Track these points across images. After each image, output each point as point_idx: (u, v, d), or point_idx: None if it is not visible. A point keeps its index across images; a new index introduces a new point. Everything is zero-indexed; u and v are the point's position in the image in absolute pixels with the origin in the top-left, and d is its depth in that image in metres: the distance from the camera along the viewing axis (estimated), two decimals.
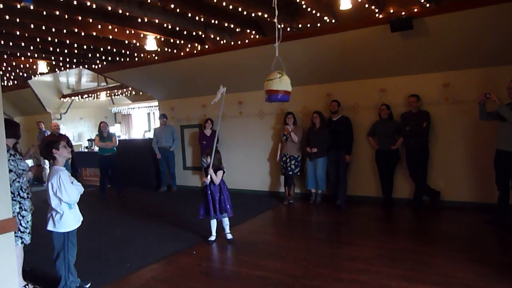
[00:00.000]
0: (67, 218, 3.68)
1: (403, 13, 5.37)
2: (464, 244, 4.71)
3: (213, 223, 5.23)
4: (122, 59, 7.99)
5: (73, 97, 12.49)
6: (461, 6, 5.10)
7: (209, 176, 5.06)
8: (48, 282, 4.03)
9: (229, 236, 5.20)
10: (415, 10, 5.30)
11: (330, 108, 6.92)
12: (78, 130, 13.22)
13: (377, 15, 5.53)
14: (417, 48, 5.91)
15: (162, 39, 6.78)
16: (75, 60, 8.12)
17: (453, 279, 3.73)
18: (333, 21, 5.74)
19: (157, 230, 5.94)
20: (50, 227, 3.69)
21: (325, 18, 5.65)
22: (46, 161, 3.93)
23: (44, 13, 5.25)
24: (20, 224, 3.87)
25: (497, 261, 4.18)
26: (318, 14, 5.53)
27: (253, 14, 5.59)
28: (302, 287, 3.76)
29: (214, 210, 5.07)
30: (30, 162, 10.62)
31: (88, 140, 12.32)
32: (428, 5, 5.17)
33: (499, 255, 4.43)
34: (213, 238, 5.22)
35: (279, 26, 4.19)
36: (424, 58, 6.10)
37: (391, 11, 5.44)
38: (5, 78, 10.28)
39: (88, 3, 4.83)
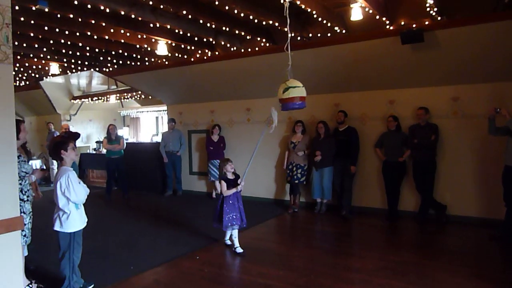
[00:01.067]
0: (74, 219, 3.72)
1: (414, 25, 5.37)
2: (469, 260, 4.66)
3: (236, 233, 5.10)
4: (133, 63, 8.08)
5: (83, 99, 12.62)
6: (472, 21, 5.09)
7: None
8: (52, 281, 4.06)
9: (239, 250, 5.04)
10: (426, 23, 5.31)
11: (336, 119, 6.93)
12: (87, 132, 13.34)
13: (387, 26, 5.54)
14: (427, 61, 5.90)
15: (173, 44, 6.85)
16: (86, 63, 8.23)
17: None
18: (344, 31, 5.77)
19: (161, 234, 5.96)
20: (57, 227, 3.73)
21: (336, 28, 5.68)
22: (54, 162, 3.97)
23: (58, 15, 5.33)
24: None
25: (500, 278, 4.13)
26: (329, 24, 5.56)
27: (264, 22, 5.64)
28: None
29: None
30: (39, 162, 10.73)
31: (96, 142, 12.42)
32: (439, 18, 5.17)
33: (503, 272, 4.38)
34: (241, 249, 5.04)
35: (290, 35, 4.21)
36: (433, 71, 6.09)
37: (402, 23, 5.45)
38: (17, 78, 10.43)
39: (102, 7, 4.90)
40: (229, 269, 4.68)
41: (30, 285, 3.94)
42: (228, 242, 5.24)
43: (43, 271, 4.45)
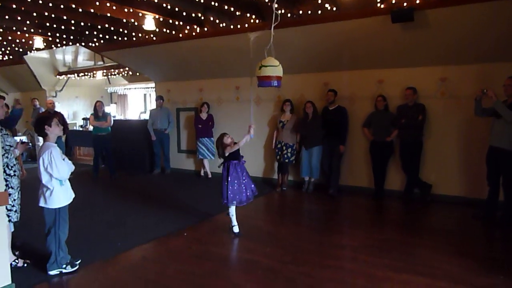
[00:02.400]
0: (58, 195, 3.69)
1: (404, 4, 5.33)
2: (452, 238, 4.77)
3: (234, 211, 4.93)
4: (120, 38, 7.90)
5: (69, 75, 12.37)
6: (463, 0, 5.07)
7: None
8: (38, 257, 4.05)
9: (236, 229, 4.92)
10: (417, 1, 5.27)
11: (327, 98, 6.92)
12: (73, 109, 13.13)
13: (378, 5, 5.49)
14: (417, 41, 5.89)
15: (161, 19, 6.70)
16: (72, 37, 8.02)
17: (438, 270, 3.80)
18: (334, 9, 5.70)
19: (149, 212, 5.97)
20: (41, 203, 3.71)
21: (326, 5, 5.61)
22: (40, 138, 3.91)
23: None
24: None
25: (482, 256, 4.25)
26: (320, 1, 5.49)
27: None
28: (289, 273, 3.81)
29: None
30: (24, 138, 10.58)
31: (83, 119, 12.25)
32: None
33: (485, 250, 4.51)
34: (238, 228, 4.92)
35: (278, 12, 4.15)
36: (423, 51, 6.08)
37: (393, 1, 5.40)
38: (0, 52, 10.15)
39: None
40: (217, 246, 4.72)
41: (16, 261, 3.93)
42: (236, 230, 4.94)
43: (29, 247, 4.44)
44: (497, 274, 3.71)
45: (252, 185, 4.99)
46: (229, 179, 4.79)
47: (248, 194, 4.90)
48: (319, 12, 5.86)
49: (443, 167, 6.38)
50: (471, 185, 6.16)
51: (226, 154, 4.85)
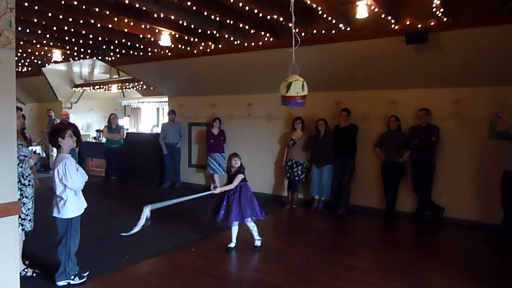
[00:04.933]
0: (71, 205, 3.74)
1: (419, 25, 5.35)
2: (463, 262, 4.67)
3: (234, 229, 5.00)
4: (136, 53, 8.06)
5: (84, 88, 12.60)
6: (477, 23, 5.07)
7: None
8: (47, 267, 4.08)
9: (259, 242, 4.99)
10: (432, 23, 5.29)
11: (340, 118, 6.91)
12: (87, 121, 13.33)
13: (392, 26, 5.52)
14: (430, 62, 5.89)
15: (177, 35, 6.83)
16: (89, 51, 8.20)
17: None
18: (348, 29, 5.74)
19: (157, 225, 5.94)
20: (55, 213, 3.76)
21: (340, 25, 5.65)
22: (54, 149, 3.97)
23: (62, 2, 5.30)
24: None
25: (494, 281, 4.16)
26: (334, 21, 5.53)
27: (268, 17, 5.62)
28: None
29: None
30: (38, 149, 10.73)
31: (97, 130, 12.42)
32: (445, 19, 5.15)
33: (496, 275, 4.40)
34: (232, 245, 4.98)
35: (294, 31, 4.19)
36: (436, 72, 6.07)
37: (407, 23, 5.43)
38: (19, 64, 10.40)
39: None
40: (224, 263, 4.70)
41: (26, 270, 3.96)
42: (233, 245, 5.01)
43: (39, 257, 4.47)
44: None
45: (256, 207, 4.94)
46: (241, 200, 4.83)
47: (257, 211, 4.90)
48: (333, 31, 5.91)
49: (456, 190, 6.29)
50: (484, 209, 6.05)
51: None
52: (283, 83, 4.01)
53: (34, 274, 3.99)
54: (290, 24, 4.30)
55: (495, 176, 5.41)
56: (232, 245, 4.97)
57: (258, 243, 4.99)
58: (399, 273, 4.26)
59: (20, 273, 3.68)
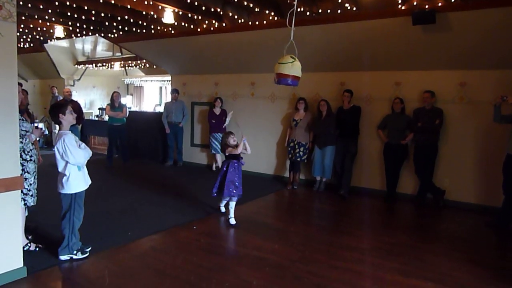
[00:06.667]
0: (74, 180, 3.76)
1: (426, 6, 5.25)
2: (463, 245, 4.70)
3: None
4: (139, 30, 7.96)
5: (87, 65, 12.51)
6: (487, 4, 4.97)
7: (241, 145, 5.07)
8: (50, 242, 4.12)
9: (233, 221, 5.17)
10: (439, 4, 5.18)
11: (343, 99, 6.87)
12: (90, 98, 13.29)
13: (399, 6, 5.42)
14: (437, 44, 5.80)
15: (180, 13, 6.73)
16: (91, 27, 8.11)
17: (448, 277, 3.75)
18: (354, 8, 5.65)
19: (159, 202, 6.02)
20: (59, 189, 3.79)
21: (346, 5, 5.56)
22: (57, 126, 3.97)
23: None
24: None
25: (493, 264, 4.18)
26: (340, 1, 5.44)
27: None
28: (297, 271, 3.81)
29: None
30: (42, 125, 10.75)
31: (99, 108, 12.41)
32: (453, 0, 5.05)
33: (496, 258, 4.43)
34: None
35: (298, 9, 4.14)
36: (442, 54, 5.99)
37: (415, 3, 5.32)
38: (21, 40, 10.32)
39: None
40: (225, 240, 4.74)
41: (29, 244, 4.00)
42: (223, 209, 5.43)
43: (42, 232, 4.53)
44: (508, 284, 3.65)
45: (240, 187, 5.19)
46: (227, 176, 5.05)
47: (233, 190, 5.12)
48: (339, 11, 5.80)
49: (458, 173, 6.29)
50: (486, 193, 6.07)
51: (226, 154, 5.17)
52: (276, 64, 4.09)
53: (37, 249, 4.04)
54: (295, 2, 4.23)
55: (498, 160, 5.39)
56: (234, 221, 5.14)
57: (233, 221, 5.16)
58: (399, 254, 4.29)
59: (23, 248, 3.75)
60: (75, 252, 3.87)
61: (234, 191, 5.11)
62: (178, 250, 4.27)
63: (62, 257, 3.84)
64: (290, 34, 4.06)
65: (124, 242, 4.40)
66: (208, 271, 3.75)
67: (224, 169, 5.12)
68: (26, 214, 4.14)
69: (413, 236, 5.00)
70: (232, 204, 5.17)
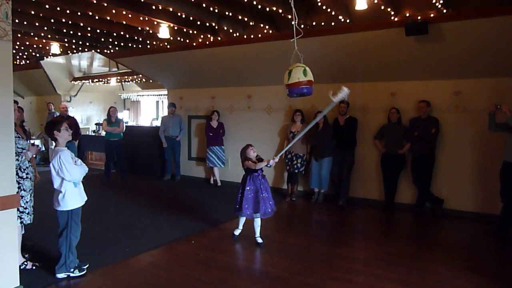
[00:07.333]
0: (70, 197, 3.75)
1: (419, 17, 5.31)
2: (463, 253, 4.68)
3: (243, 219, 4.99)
4: (134, 46, 8.01)
5: (84, 81, 12.56)
6: (478, 14, 5.03)
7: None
8: (47, 260, 4.09)
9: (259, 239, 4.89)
10: (432, 15, 5.25)
11: (339, 110, 6.89)
12: (87, 114, 13.31)
13: (392, 17, 5.48)
14: (430, 54, 5.86)
15: (175, 28, 6.78)
16: (87, 44, 8.15)
17: (448, 286, 3.73)
18: (348, 20, 5.71)
19: (158, 217, 5.99)
20: (55, 206, 3.77)
21: (340, 17, 5.61)
22: (54, 142, 3.96)
23: None
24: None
25: (494, 272, 4.17)
26: (333, 13, 5.50)
27: (267, 8, 5.57)
28: (297, 283, 3.78)
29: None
30: (38, 142, 10.71)
31: (96, 124, 12.40)
32: (445, 10, 5.11)
33: (496, 266, 4.42)
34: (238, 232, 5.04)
35: (293, 22, 4.17)
36: (436, 64, 6.05)
37: (407, 14, 5.39)
38: (17, 57, 10.35)
39: None
40: (224, 254, 4.71)
41: (25, 263, 3.96)
42: (237, 232, 5.08)
43: (39, 249, 4.48)
44: None
45: (271, 202, 4.90)
46: (245, 191, 4.78)
47: (265, 208, 4.82)
48: (333, 23, 5.87)
49: (455, 181, 6.29)
50: (484, 201, 6.06)
51: (244, 167, 4.88)
52: (285, 72, 3.92)
53: (34, 267, 3.99)
54: (290, 16, 4.27)
55: (495, 167, 5.40)
56: (261, 240, 4.89)
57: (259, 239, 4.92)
58: (399, 264, 4.27)
59: (20, 266, 3.70)
60: (72, 270, 3.84)
61: (269, 210, 4.82)
62: (176, 265, 4.23)
63: (59, 275, 3.80)
64: (294, 46, 4.00)
65: (122, 258, 4.36)
66: (207, 286, 3.72)
67: (242, 185, 4.84)
68: (23, 232, 4.10)
69: (412, 245, 4.98)
70: (258, 221, 4.88)
